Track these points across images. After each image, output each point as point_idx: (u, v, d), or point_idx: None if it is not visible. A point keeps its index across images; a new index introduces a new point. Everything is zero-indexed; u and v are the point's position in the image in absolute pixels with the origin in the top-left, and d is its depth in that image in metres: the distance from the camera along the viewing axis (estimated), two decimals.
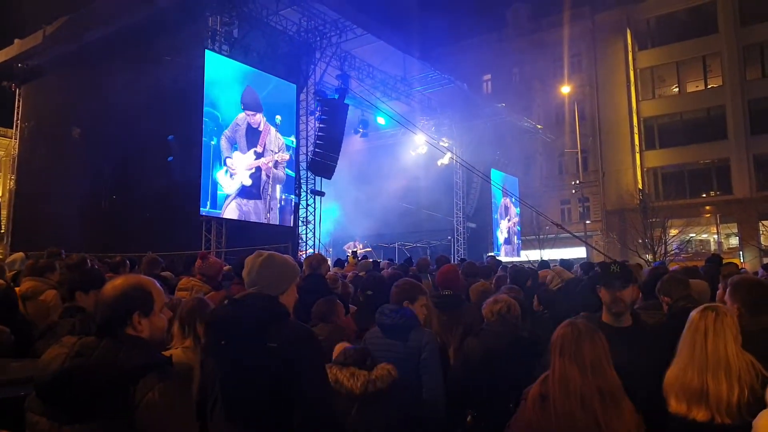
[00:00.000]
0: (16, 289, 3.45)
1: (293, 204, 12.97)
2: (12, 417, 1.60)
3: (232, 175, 11.17)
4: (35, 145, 16.80)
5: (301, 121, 13.67)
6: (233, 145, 11.29)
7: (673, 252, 21.87)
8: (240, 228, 11.54)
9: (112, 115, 13.03)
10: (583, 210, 25.25)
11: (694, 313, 2.01)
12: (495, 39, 29.07)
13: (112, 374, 1.36)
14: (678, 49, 25.81)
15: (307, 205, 14.12)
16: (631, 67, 26.56)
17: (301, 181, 13.72)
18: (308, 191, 14.11)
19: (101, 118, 13.56)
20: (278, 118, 12.42)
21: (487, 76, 29.54)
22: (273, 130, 12.25)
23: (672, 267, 5.78)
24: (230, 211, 11.20)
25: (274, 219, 12.27)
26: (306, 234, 14.00)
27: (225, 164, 11.05)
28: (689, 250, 23.14)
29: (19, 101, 17.70)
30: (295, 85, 13.07)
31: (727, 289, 2.49)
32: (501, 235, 21.17)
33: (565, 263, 6.61)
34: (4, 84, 17.28)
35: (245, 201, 11.50)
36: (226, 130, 11.14)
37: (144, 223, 12.07)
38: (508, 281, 4.74)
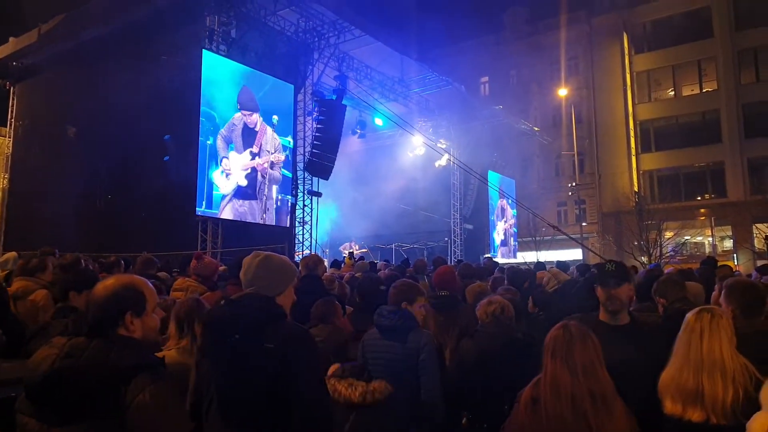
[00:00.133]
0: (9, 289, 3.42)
1: (289, 205, 12.94)
2: (3, 418, 1.58)
3: (227, 175, 11.14)
4: (30, 144, 16.72)
5: (298, 122, 13.65)
6: (229, 145, 11.26)
7: (668, 254, 21.98)
8: (236, 228, 11.51)
9: (108, 114, 12.97)
10: (580, 212, 25.32)
11: (689, 315, 2.02)
12: (492, 41, 29.14)
13: (102, 375, 1.35)
14: (674, 53, 25.97)
15: (304, 205, 14.10)
16: (627, 70, 26.71)
17: (298, 181, 13.70)
18: (305, 192, 14.09)
19: (97, 118, 13.49)
20: (275, 118, 12.39)
21: (485, 78, 29.62)
22: (270, 130, 12.23)
23: (667, 269, 5.79)
24: (226, 212, 11.17)
25: (270, 219, 12.24)
26: (302, 235, 13.97)
27: (221, 164, 11.02)
28: (684, 252, 23.27)
29: (13, 100, 17.63)
30: (292, 86, 13.06)
31: (722, 292, 2.50)
32: (498, 237, 21.21)
33: (562, 265, 6.62)
34: None
35: (241, 201, 11.47)
36: (222, 130, 11.10)
37: (139, 223, 12.02)
38: (505, 283, 4.74)
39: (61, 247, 6.04)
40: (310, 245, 14.05)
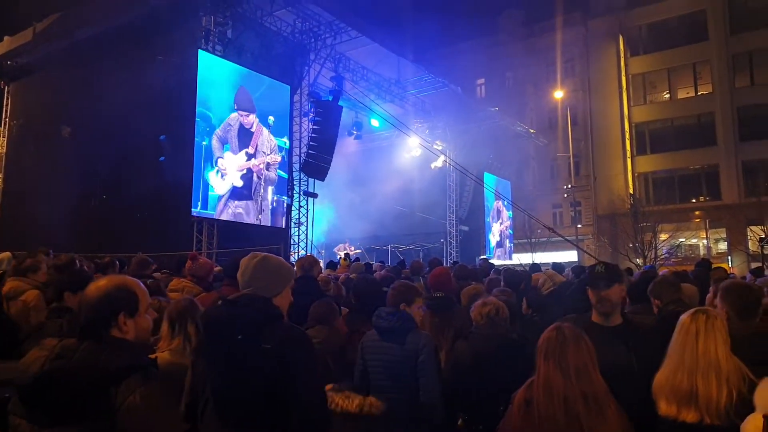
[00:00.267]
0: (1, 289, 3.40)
1: (285, 205, 12.92)
2: None
3: (223, 175, 11.11)
4: (24, 144, 16.60)
5: (294, 123, 13.63)
6: (224, 146, 11.23)
7: (663, 256, 22.09)
8: (231, 229, 11.47)
9: (103, 114, 12.90)
10: (575, 214, 25.41)
11: (684, 316, 2.02)
12: (489, 43, 29.22)
13: (93, 376, 1.33)
14: (669, 56, 26.13)
15: (300, 206, 14.07)
16: (623, 72, 26.85)
17: (294, 182, 13.68)
18: (301, 193, 14.06)
19: (92, 117, 13.41)
20: (271, 119, 12.37)
21: (481, 80, 29.70)
22: (266, 131, 12.20)
23: (662, 271, 5.82)
24: (221, 213, 11.14)
25: (266, 220, 12.21)
26: (298, 236, 13.94)
27: (216, 165, 10.99)
28: (679, 254, 23.37)
29: (7, 99, 17.51)
30: (288, 87, 13.04)
31: (718, 294, 2.51)
32: (493, 239, 21.25)
33: (557, 267, 6.64)
34: None
35: (236, 202, 11.44)
36: (217, 130, 11.08)
37: (135, 223, 11.94)
38: (501, 284, 4.74)
39: (55, 247, 6.00)
40: (306, 246, 14.03)
